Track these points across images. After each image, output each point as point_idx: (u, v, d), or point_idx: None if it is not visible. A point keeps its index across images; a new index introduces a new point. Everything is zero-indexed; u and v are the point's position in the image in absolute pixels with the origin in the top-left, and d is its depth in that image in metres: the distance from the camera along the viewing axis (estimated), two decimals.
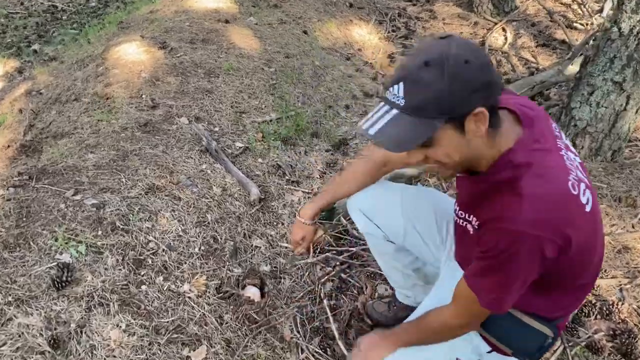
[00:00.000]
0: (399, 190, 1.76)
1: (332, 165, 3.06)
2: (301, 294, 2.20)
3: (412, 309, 1.96)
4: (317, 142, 3.25)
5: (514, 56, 4.84)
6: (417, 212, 1.69)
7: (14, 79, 5.17)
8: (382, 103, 1.14)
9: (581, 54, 4.15)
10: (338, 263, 2.36)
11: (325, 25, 4.97)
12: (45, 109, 3.42)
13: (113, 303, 1.84)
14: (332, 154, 3.17)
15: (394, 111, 1.10)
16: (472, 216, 1.27)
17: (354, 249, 2.42)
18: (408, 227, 1.70)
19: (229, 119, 3.16)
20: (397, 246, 1.78)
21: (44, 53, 5.77)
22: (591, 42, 4.37)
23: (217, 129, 3.05)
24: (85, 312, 1.79)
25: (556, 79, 4.01)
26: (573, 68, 4.02)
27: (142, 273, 2.00)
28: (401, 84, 1.09)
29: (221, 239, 2.30)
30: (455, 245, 1.49)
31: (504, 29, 5.55)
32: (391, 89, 1.12)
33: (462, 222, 1.31)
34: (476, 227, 1.24)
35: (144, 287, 1.95)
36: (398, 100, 1.09)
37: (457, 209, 1.33)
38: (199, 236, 2.25)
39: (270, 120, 3.26)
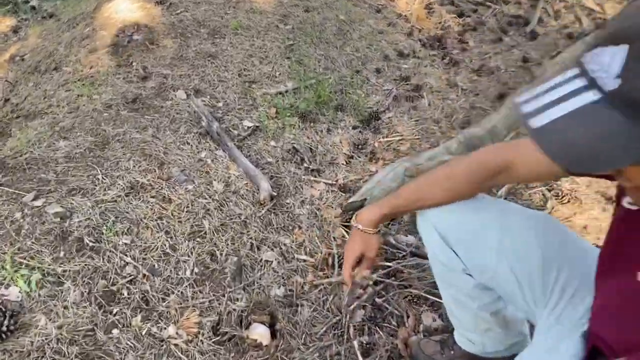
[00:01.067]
0: (498, 211, 1.20)
1: (360, 146, 2.50)
2: (324, 328, 1.70)
3: (473, 357, 1.47)
4: (342, 116, 2.68)
5: (576, 5, 4.10)
6: (520, 247, 1.15)
7: (8, 40, 4.68)
8: (576, 71, 0.60)
9: None
10: (371, 283, 1.85)
11: None
12: (24, 79, 2.92)
13: (72, 359, 1.37)
14: (360, 131, 2.61)
15: (591, 95, 0.58)
16: None
17: (390, 264, 1.90)
18: (502, 265, 1.17)
19: (235, 91, 2.61)
20: (477, 282, 1.27)
21: (43, 9, 5.24)
22: None
23: (220, 104, 2.51)
24: None
25: None
26: None
27: (114, 311, 1.52)
28: (624, 48, 0.55)
29: (221, 254, 1.80)
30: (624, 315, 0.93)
31: None
32: (598, 51, 0.58)
33: None
34: None
35: (115, 332, 1.47)
36: (605, 78, 0.56)
37: None
38: (192, 253, 1.76)
39: (286, 91, 2.69)
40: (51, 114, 2.36)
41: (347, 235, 2.00)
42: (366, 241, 1.29)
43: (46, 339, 1.40)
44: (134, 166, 2.00)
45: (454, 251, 1.25)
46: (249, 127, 2.42)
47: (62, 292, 1.52)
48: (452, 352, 1.55)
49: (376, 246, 1.31)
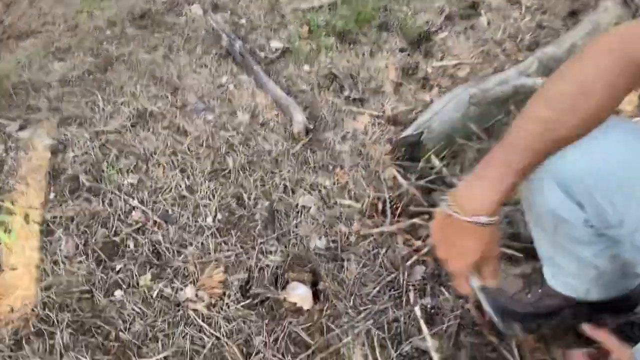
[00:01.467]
0: None
1: (410, 72, 2.11)
2: (377, 287, 1.38)
3: (571, 300, 1.14)
4: (386, 37, 2.28)
5: None
6: None
7: None
8: None
9: None
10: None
11: None
12: None
13: (62, 330, 1.08)
14: (409, 54, 2.21)
15: None
16: None
17: None
18: None
19: (260, 6, 2.23)
20: (596, 231, 0.91)
21: None
22: None
23: (243, 20, 2.14)
24: (13, 351, 1.04)
25: None
26: None
27: (117, 268, 1.21)
28: None
29: (249, 198, 1.47)
30: None
31: None
32: None
33: None
34: None
35: (118, 295, 1.17)
36: None
37: None
38: (214, 196, 1.43)
39: (320, 7, 2.30)
40: (45, 33, 2.02)
41: (399, 177, 1.65)
42: (489, 236, 0.76)
43: (30, 303, 1.10)
44: (142, 91, 1.67)
45: (576, 204, 0.88)
46: (277, 49, 2.05)
47: (51, 244, 1.22)
48: (540, 291, 1.19)
49: (498, 240, 0.83)
